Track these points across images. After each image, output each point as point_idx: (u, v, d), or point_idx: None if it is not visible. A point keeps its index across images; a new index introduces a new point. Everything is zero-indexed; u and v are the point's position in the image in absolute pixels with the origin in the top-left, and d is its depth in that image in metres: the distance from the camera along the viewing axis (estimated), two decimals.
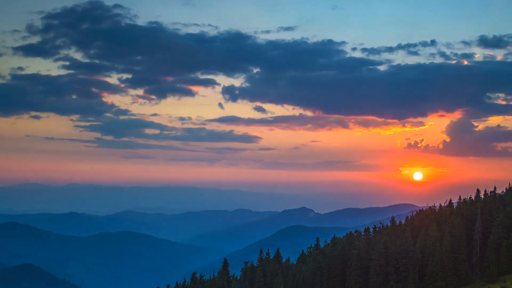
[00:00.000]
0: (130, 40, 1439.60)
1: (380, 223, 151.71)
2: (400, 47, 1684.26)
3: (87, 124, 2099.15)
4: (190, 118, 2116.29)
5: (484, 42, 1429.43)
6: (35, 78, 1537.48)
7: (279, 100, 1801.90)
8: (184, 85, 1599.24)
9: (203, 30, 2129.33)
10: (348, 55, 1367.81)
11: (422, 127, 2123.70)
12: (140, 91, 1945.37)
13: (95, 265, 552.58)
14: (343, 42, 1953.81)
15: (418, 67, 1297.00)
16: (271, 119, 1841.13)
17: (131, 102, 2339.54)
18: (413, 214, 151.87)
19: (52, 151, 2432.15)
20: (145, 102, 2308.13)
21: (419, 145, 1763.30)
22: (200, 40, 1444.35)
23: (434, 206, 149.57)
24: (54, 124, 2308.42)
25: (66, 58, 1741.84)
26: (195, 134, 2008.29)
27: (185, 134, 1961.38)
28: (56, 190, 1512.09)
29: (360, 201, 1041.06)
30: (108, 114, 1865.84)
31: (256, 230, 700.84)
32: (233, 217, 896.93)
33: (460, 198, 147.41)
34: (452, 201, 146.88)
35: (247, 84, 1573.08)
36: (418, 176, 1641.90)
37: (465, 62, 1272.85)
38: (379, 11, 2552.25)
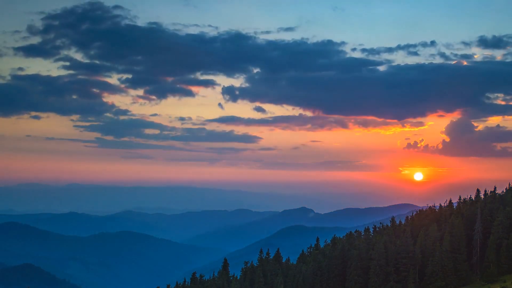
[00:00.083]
0: (130, 40, 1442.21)
1: (380, 223, 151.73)
2: (399, 47, 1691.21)
3: (87, 124, 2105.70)
4: (190, 118, 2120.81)
5: (483, 42, 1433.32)
6: (36, 79, 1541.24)
7: (279, 100, 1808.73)
8: (184, 85, 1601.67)
9: (203, 30, 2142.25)
10: (348, 56, 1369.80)
11: (422, 127, 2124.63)
12: (140, 91, 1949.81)
13: (95, 265, 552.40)
14: (343, 43, 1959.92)
15: (418, 67, 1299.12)
16: (271, 119, 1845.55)
17: (131, 102, 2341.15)
18: (413, 214, 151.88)
19: (52, 151, 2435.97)
20: (145, 102, 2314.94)
21: (418, 145, 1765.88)
22: (200, 40, 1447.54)
23: (434, 206, 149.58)
24: (54, 124, 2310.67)
25: (66, 58, 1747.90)
26: (195, 134, 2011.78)
27: (185, 134, 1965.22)
28: (56, 190, 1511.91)
29: (360, 201, 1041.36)
30: (108, 114, 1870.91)
31: (256, 230, 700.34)
32: (233, 217, 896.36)
33: (460, 198, 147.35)
34: (452, 201, 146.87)
35: (247, 84, 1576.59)
36: (418, 176, 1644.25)
37: (465, 63, 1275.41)
38: (379, 12, 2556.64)
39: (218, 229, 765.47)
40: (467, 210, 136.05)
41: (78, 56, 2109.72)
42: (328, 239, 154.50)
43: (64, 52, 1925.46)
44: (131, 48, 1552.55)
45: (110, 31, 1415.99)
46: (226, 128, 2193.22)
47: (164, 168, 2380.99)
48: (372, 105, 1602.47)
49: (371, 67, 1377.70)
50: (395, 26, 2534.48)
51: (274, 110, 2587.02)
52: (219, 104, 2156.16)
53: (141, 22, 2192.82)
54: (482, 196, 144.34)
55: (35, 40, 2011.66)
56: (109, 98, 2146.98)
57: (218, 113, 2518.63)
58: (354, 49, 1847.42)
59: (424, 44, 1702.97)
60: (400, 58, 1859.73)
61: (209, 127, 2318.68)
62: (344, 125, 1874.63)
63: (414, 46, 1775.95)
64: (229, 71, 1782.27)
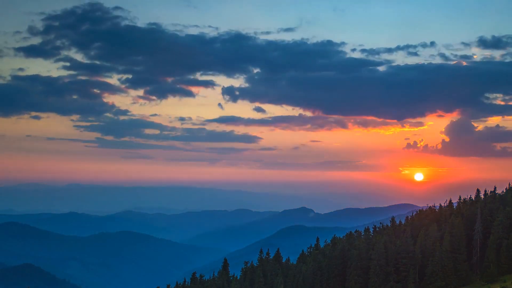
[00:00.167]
0: (130, 41, 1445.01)
1: (380, 223, 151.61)
2: (399, 48, 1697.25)
3: (88, 124, 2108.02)
4: (190, 119, 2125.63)
5: (483, 43, 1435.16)
6: (36, 79, 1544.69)
7: (279, 100, 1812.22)
8: (184, 85, 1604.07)
9: (203, 31, 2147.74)
10: (347, 56, 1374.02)
11: (421, 127, 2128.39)
12: (140, 92, 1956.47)
13: (95, 265, 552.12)
14: (343, 43, 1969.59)
15: (417, 67, 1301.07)
16: (271, 119, 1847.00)
17: (131, 103, 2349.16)
18: (413, 214, 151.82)
19: (52, 151, 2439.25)
20: (145, 103, 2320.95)
21: (418, 145, 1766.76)
22: (200, 41, 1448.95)
23: (434, 206, 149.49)
24: (54, 124, 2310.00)
25: (66, 59, 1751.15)
26: (195, 134, 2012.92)
27: (185, 134, 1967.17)
28: (56, 190, 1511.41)
29: (360, 201, 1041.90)
30: (109, 114, 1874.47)
31: (256, 230, 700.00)
32: (233, 217, 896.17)
33: (460, 198, 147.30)
34: (452, 201, 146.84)
35: (247, 85, 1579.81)
36: (418, 176, 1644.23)
37: (464, 63, 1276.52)
38: (379, 13, 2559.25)
39: (218, 229, 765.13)
40: (467, 210, 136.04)
41: (78, 57, 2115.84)
42: (328, 239, 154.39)
43: (64, 53, 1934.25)
44: (131, 48, 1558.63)
45: (110, 32, 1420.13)
46: (226, 128, 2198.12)
47: (164, 168, 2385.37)
48: (371, 105, 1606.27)
49: (371, 68, 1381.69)
50: (395, 27, 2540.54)
51: (274, 110, 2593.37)
52: (219, 104, 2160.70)
53: (141, 23, 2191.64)
54: (482, 196, 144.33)
55: (36, 40, 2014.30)
56: (109, 98, 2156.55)
57: (218, 113, 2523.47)
58: (354, 50, 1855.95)
59: (424, 45, 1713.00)
60: (400, 59, 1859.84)
61: (209, 127, 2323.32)
62: (344, 125, 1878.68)
63: (414, 46, 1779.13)
64: (229, 71, 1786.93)
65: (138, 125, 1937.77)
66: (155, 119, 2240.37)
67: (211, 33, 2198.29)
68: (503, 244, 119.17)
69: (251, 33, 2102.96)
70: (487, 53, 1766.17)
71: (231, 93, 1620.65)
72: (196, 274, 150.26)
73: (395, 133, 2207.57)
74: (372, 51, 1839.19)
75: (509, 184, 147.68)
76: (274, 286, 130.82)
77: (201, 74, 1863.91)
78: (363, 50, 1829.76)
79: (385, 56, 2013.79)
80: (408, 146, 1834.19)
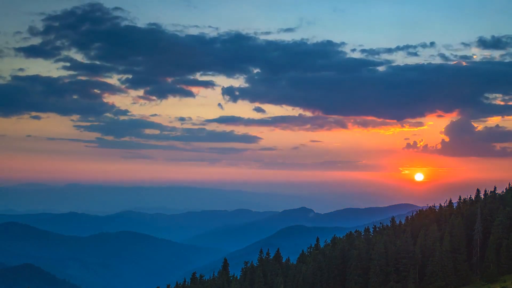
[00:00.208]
0: (130, 41, 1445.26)
1: (380, 223, 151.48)
2: (399, 48, 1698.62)
3: (88, 124, 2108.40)
4: (190, 119, 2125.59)
5: (483, 43, 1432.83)
6: (36, 79, 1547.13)
7: (278, 100, 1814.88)
8: (184, 85, 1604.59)
9: (203, 31, 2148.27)
10: (347, 56, 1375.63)
11: (421, 128, 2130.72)
12: (140, 92, 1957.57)
13: (95, 265, 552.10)
14: (343, 43, 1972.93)
15: (417, 67, 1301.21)
16: (271, 119, 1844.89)
17: (132, 103, 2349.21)
18: (413, 214, 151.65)
19: (52, 151, 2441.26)
20: (145, 103, 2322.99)
21: (418, 145, 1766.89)
22: (200, 41, 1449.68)
23: (434, 206, 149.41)
24: (54, 124, 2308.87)
25: (66, 59, 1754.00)
26: (195, 135, 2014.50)
27: (185, 134, 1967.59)
28: (57, 190, 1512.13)
29: (360, 201, 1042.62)
30: (109, 115, 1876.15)
31: (256, 230, 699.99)
32: (233, 217, 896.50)
33: (460, 198, 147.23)
34: (452, 201, 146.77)
35: (247, 85, 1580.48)
36: (418, 176, 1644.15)
37: (464, 63, 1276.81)
38: (379, 13, 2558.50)
39: (218, 229, 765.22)
40: (467, 210, 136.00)
41: (79, 57, 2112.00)
42: (328, 239, 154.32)
43: (65, 53, 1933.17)
44: (131, 49, 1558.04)
45: (110, 32, 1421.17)
46: (226, 128, 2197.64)
47: (164, 168, 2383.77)
48: (371, 106, 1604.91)
49: (370, 68, 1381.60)
50: (395, 27, 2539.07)
51: (274, 110, 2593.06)
52: (219, 105, 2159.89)
53: (141, 23, 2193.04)
54: (482, 196, 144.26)
55: (36, 41, 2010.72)
56: (110, 99, 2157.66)
57: (218, 113, 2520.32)
58: (353, 50, 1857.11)
59: (424, 45, 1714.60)
60: (400, 59, 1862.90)
61: (209, 127, 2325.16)
62: (343, 125, 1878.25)
63: (414, 47, 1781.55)
64: (229, 71, 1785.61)
65: (138, 125, 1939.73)
66: (155, 119, 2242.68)
67: (211, 33, 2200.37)
68: (503, 244, 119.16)
69: (251, 33, 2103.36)
70: (487, 53, 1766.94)
71: (231, 93, 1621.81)
72: (196, 274, 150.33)
73: (395, 133, 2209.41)
74: (372, 51, 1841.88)
75: (509, 184, 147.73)
76: (274, 286, 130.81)
77: (201, 74, 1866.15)
78: (363, 50, 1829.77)
79: (385, 56, 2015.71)
80: (408, 146, 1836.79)
